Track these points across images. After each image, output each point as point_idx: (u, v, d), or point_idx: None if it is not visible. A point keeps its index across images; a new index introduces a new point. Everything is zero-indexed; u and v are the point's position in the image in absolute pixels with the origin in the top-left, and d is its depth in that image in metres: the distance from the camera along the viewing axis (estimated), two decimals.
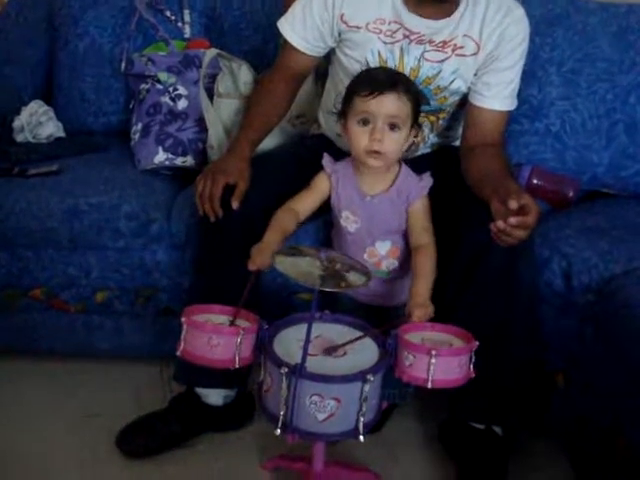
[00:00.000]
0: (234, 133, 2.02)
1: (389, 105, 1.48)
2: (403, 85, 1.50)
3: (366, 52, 1.72)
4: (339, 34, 1.75)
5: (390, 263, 1.63)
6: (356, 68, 1.73)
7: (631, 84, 2.01)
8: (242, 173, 1.67)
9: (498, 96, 1.72)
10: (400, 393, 1.62)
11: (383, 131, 1.49)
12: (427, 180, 1.58)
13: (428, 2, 1.66)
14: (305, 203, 1.62)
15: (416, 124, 1.55)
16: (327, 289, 1.30)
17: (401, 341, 1.39)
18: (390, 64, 1.71)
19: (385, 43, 1.70)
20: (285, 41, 1.81)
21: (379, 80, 1.50)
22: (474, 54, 1.70)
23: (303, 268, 1.34)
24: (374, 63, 1.72)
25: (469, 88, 1.74)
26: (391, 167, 1.58)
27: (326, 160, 1.62)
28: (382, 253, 1.61)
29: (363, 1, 1.69)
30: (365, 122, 1.50)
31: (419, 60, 1.70)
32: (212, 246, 1.70)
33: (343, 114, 1.56)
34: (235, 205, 1.63)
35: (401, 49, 1.70)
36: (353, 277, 1.35)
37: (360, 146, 1.51)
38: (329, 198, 1.63)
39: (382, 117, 1.48)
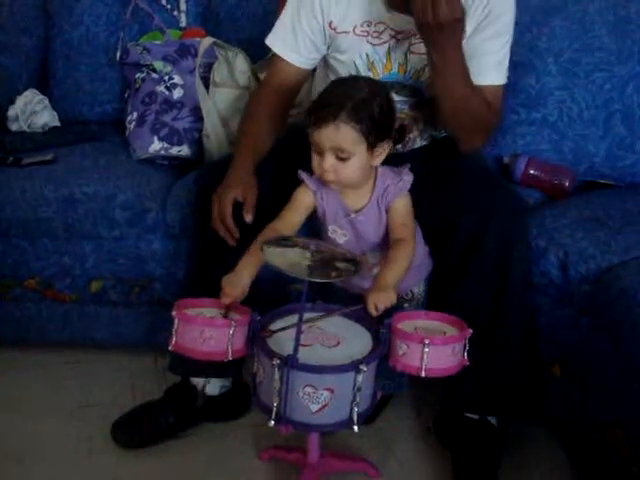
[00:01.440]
0: (231, 123, 2.01)
1: (328, 137, 1.41)
2: (347, 114, 1.39)
3: (354, 56, 1.70)
4: (329, 39, 1.73)
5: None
6: (344, 72, 1.72)
7: (629, 74, 1.99)
8: (248, 185, 1.61)
9: (483, 69, 1.66)
10: (394, 383, 1.62)
11: (331, 161, 1.43)
12: (406, 180, 1.51)
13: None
14: (291, 222, 1.53)
15: (379, 141, 1.45)
16: (316, 280, 1.28)
17: (394, 330, 1.38)
18: (377, 64, 1.69)
19: (373, 45, 1.68)
20: (274, 56, 1.78)
21: (322, 110, 1.42)
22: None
23: (292, 259, 1.33)
24: (363, 66, 1.70)
25: None
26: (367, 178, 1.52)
27: (305, 176, 1.54)
28: (373, 261, 1.57)
29: (349, 6, 1.66)
30: (319, 152, 1.45)
31: (406, 54, 1.68)
32: (208, 237, 1.69)
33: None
34: (249, 219, 1.58)
35: (388, 48, 1.68)
36: (343, 267, 1.34)
37: (316, 172, 1.47)
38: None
39: (327, 148, 1.42)
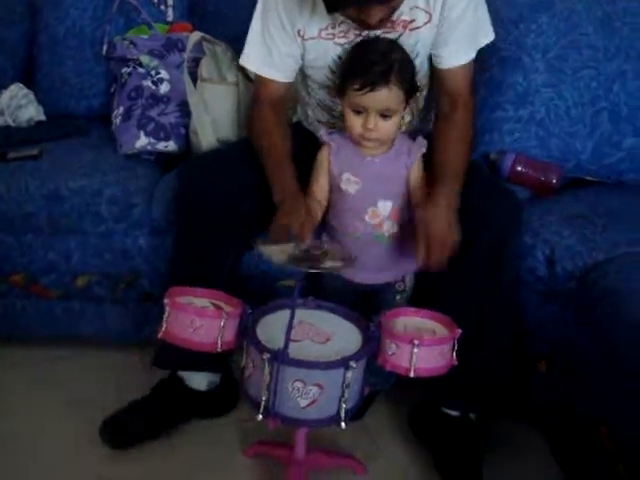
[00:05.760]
0: (219, 118, 2.00)
1: (381, 100, 1.49)
2: (396, 75, 1.49)
3: (327, 60, 1.69)
4: (301, 49, 1.71)
5: (391, 225, 1.60)
6: (322, 78, 1.72)
7: (616, 72, 1.99)
8: (298, 211, 1.55)
9: (458, 51, 1.67)
10: (382, 380, 1.62)
11: (376, 121, 1.51)
12: (421, 142, 1.60)
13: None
14: (322, 184, 1.63)
15: (411, 97, 1.56)
16: (309, 270, 1.30)
17: (384, 329, 1.38)
18: None
19: (341, 45, 1.66)
20: (258, 75, 1.76)
21: (371, 73, 1.48)
22: (427, 22, 1.63)
23: (286, 252, 1.34)
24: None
25: (430, 57, 1.69)
26: None
27: (322, 132, 1.65)
28: (384, 214, 1.59)
29: (313, 12, 1.65)
30: (358, 112, 1.52)
31: None
32: (190, 231, 1.69)
33: (341, 92, 1.55)
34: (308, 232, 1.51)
35: None
36: (336, 260, 1.35)
37: (355, 132, 1.54)
38: None
39: (374, 110, 1.50)
